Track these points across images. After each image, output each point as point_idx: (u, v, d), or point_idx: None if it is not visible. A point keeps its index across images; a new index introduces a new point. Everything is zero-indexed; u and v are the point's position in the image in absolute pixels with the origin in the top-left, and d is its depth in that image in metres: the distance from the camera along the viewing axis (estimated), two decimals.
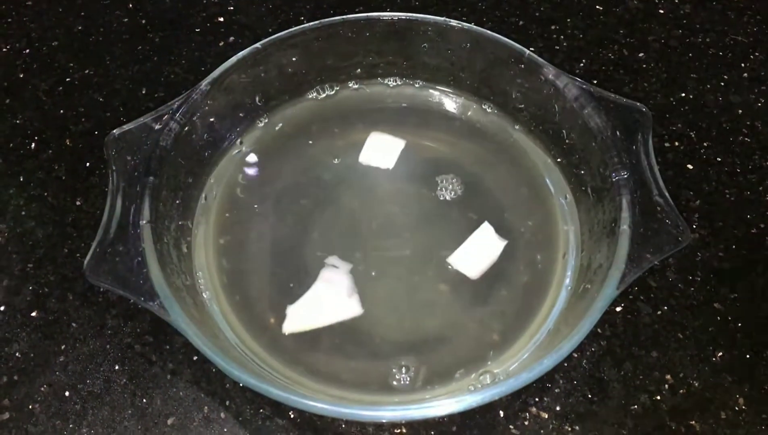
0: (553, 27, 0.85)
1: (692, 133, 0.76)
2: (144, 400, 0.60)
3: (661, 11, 0.87)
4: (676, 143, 0.75)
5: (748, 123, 0.76)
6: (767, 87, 0.79)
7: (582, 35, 0.84)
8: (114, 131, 0.59)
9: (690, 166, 0.73)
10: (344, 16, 0.67)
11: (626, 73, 0.80)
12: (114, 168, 0.58)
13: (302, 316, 0.58)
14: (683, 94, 0.79)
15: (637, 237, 0.54)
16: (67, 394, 0.60)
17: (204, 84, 0.62)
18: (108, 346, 0.63)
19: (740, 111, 0.77)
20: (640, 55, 0.82)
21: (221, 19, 0.86)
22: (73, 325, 0.64)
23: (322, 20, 0.66)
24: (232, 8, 0.87)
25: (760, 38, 0.84)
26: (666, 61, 0.82)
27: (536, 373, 0.49)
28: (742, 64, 0.81)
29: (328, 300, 0.59)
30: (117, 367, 0.62)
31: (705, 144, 0.75)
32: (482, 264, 0.62)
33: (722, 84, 0.80)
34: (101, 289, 0.66)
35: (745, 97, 0.79)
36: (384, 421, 0.48)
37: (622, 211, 0.55)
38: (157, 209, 0.57)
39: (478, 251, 0.62)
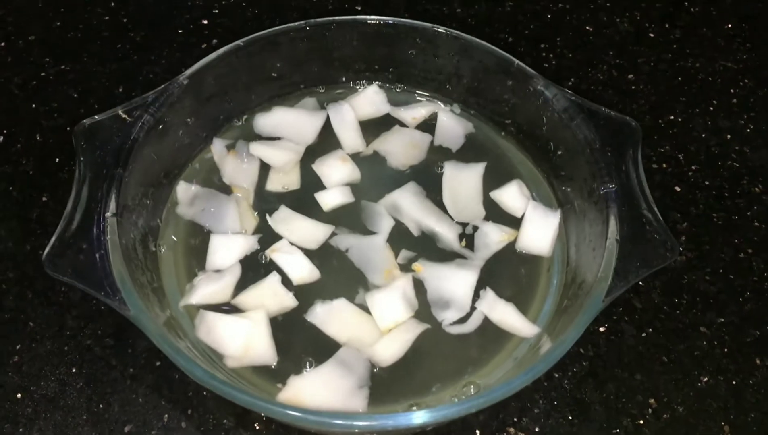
0: (542, 45, 0.84)
1: (680, 155, 0.74)
2: (101, 406, 0.57)
3: (651, 35, 0.86)
4: (664, 165, 0.73)
5: (737, 148, 0.75)
6: (756, 113, 0.78)
7: (571, 54, 0.83)
8: (84, 121, 0.57)
9: (678, 189, 0.72)
10: (330, 18, 0.65)
11: (615, 94, 0.79)
12: (82, 158, 0.55)
13: (304, 392, 0.52)
14: (672, 117, 0.78)
15: (625, 251, 0.52)
16: (18, 396, 0.57)
17: (182, 78, 0.60)
18: (66, 348, 0.59)
19: (729, 136, 0.76)
20: (630, 76, 0.81)
21: (205, 22, 0.84)
22: (31, 324, 0.61)
23: (308, 20, 0.65)
24: (216, 11, 0.85)
25: (749, 65, 0.83)
26: (655, 83, 0.81)
27: (515, 385, 0.46)
28: (732, 90, 0.81)
29: (336, 386, 0.52)
30: (74, 370, 0.58)
31: (693, 167, 0.74)
32: (548, 237, 0.60)
33: (711, 108, 0.79)
34: (62, 289, 0.62)
35: (734, 123, 0.78)
36: (355, 430, 0.45)
37: (609, 225, 0.53)
38: (125, 203, 0.54)
39: (539, 227, 0.60)
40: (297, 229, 0.60)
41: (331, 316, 0.56)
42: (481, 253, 0.60)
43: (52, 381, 0.58)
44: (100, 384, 0.58)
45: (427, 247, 0.60)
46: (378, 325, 0.55)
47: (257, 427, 0.56)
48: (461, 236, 0.61)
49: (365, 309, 0.56)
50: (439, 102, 0.69)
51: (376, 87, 0.68)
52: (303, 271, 0.58)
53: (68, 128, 0.73)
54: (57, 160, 0.71)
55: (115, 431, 0.56)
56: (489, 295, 0.57)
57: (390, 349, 0.54)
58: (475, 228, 0.61)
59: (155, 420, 0.56)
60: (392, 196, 0.62)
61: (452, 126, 0.67)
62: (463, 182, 0.64)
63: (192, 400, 0.57)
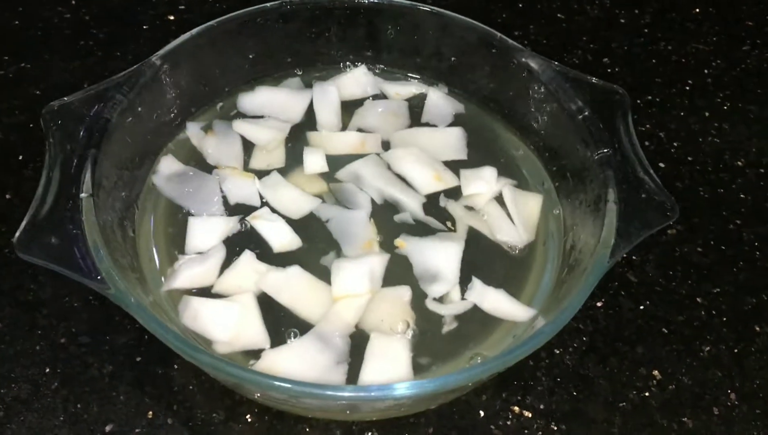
0: (516, 33, 0.83)
1: (662, 133, 0.74)
2: (78, 406, 0.53)
3: (622, 21, 0.86)
4: (647, 143, 0.73)
5: (716, 124, 0.75)
6: (731, 92, 0.79)
7: (546, 41, 0.83)
8: (53, 103, 0.54)
9: (662, 165, 0.71)
10: None
11: (592, 77, 0.79)
12: (51, 140, 0.52)
13: (278, 366, 0.49)
14: (649, 97, 0.77)
15: (625, 213, 0.51)
16: None
17: (154, 58, 0.58)
18: (38, 348, 0.56)
19: (707, 113, 0.76)
20: (605, 60, 0.81)
21: (171, 18, 0.82)
22: None
23: (283, 0, 0.63)
24: (182, 6, 0.83)
25: (720, 47, 0.84)
26: (630, 66, 0.81)
27: (521, 352, 0.44)
28: (705, 70, 0.81)
29: (313, 361, 0.50)
30: (47, 370, 0.54)
31: (675, 144, 0.73)
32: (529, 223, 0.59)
33: (687, 88, 0.79)
34: (31, 286, 0.59)
35: (710, 101, 0.78)
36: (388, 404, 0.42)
37: (608, 188, 0.52)
38: (100, 183, 0.51)
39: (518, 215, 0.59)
40: (283, 197, 0.58)
41: (284, 284, 0.53)
42: (461, 224, 0.58)
43: (24, 382, 0.54)
44: (77, 383, 0.54)
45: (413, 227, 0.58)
46: (332, 291, 0.53)
47: (249, 419, 0.52)
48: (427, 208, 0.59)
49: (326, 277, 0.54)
50: (423, 83, 0.68)
51: (365, 68, 0.67)
52: (284, 238, 0.56)
53: (31, 125, 0.70)
54: (20, 157, 0.67)
55: (95, 432, 0.51)
56: (477, 285, 0.55)
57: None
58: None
59: (138, 418, 0.52)
60: (353, 166, 0.61)
61: (441, 105, 0.65)
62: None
63: (177, 395, 0.53)
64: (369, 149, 0.62)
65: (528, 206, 0.59)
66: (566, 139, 0.58)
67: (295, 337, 0.51)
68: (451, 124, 0.65)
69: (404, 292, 0.53)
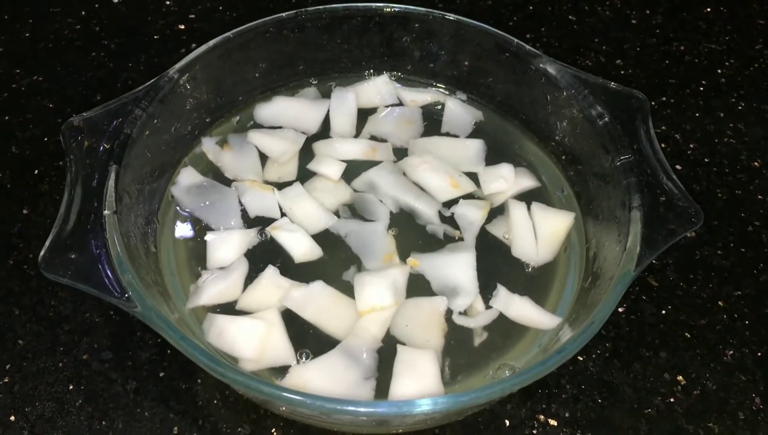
0: (528, 35, 0.83)
1: (677, 135, 0.74)
2: (103, 423, 0.53)
3: (634, 21, 0.86)
4: (663, 145, 0.72)
5: (731, 125, 0.75)
6: (746, 91, 0.78)
7: (558, 43, 0.82)
8: (72, 119, 0.53)
9: (679, 167, 0.71)
10: (322, 6, 0.63)
11: (606, 79, 0.78)
12: (72, 157, 0.52)
13: (305, 382, 0.49)
14: (664, 99, 0.77)
15: (650, 219, 0.50)
16: (12, 418, 0.53)
17: (172, 71, 0.57)
18: (60, 365, 0.55)
19: (722, 114, 0.76)
20: (618, 61, 0.81)
21: (182, 27, 0.81)
22: (20, 342, 0.56)
23: (299, 10, 0.62)
24: (193, 16, 0.83)
25: (733, 46, 0.83)
26: (643, 67, 0.80)
27: (552, 363, 0.44)
28: (719, 70, 0.81)
29: (340, 377, 0.49)
30: (71, 387, 0.54)
31: (691, 145, 0.73)
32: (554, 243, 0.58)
33: (701, 89, 0.79)
34: (52, 302, 0.58)
35: (725, 101, 0.77)
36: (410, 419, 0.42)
37: (631, 195, 0.51)
38: (122, 199, 0.50)
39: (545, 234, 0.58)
40: (301, 211, 0.58)
41: (308, 300, 0.53)
42: (468, 232, 0.58)
43: (47, 400, 0.53)
44: (101, 400, 0.54)
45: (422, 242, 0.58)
46: (357, 306, 0.53)
47: (275, 433, 0.52)
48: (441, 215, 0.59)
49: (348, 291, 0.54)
50: (440, 91, 0.68)
51: (386, 77, 0.67)
52: (305, 248, 0.55)
53: (45, 138, 0.70)
54: (35, 171, 0.67)
55: None
56: (501, 293, 0.54)
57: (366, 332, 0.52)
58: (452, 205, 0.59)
59: (164, 434, 0.52)
60: (368, 174, 0.60)
61: (460, 114, 0.65)
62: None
63: (202, 409, 0.53)
64: (380, 157, 0.62)
65: (555, 225, 0.58)
66: (586, 144, 0.58)
67: (307, 358, 0.51)
68: (472, 134, 0.65)
69: (440, 303, 0.53)
